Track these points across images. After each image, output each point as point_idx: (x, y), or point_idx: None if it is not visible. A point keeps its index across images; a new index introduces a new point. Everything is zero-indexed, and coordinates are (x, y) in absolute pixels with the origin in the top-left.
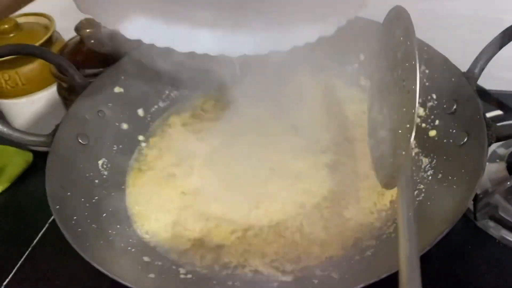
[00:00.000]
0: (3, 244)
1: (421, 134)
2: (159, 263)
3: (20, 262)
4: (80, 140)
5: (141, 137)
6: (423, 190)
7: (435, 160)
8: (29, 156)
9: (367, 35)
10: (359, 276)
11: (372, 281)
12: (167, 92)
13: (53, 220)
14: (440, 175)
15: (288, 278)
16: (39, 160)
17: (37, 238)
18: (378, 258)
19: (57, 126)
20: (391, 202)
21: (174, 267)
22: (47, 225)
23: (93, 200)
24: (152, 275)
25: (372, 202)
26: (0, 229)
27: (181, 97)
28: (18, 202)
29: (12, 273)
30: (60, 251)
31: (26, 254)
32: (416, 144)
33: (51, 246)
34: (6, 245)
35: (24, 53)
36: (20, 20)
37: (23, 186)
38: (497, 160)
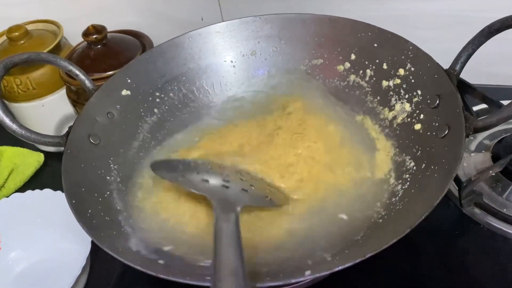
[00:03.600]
0: None
1: (407, 128)
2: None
3: None
4: (91, 140)
5: (148, 135)
6: (408, 179)
7: (419, 151)
8: (40, 157)
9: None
10: (348, 257)
11: (358, 260)
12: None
13: None
14: (423, 165)
15: None
16: (50, 160)
17: None
18: (367, 242)
19: (70, 128)
20: None
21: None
22: None
23: (105, 195)
24: (161, 261)
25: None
26: None
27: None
28: None
29: None
30: None
31: None
32: (403, 137)
33: None
34: None
35: (38, 61)
36: (30, 27)
37: (35, 185)
38: (483, 151)
